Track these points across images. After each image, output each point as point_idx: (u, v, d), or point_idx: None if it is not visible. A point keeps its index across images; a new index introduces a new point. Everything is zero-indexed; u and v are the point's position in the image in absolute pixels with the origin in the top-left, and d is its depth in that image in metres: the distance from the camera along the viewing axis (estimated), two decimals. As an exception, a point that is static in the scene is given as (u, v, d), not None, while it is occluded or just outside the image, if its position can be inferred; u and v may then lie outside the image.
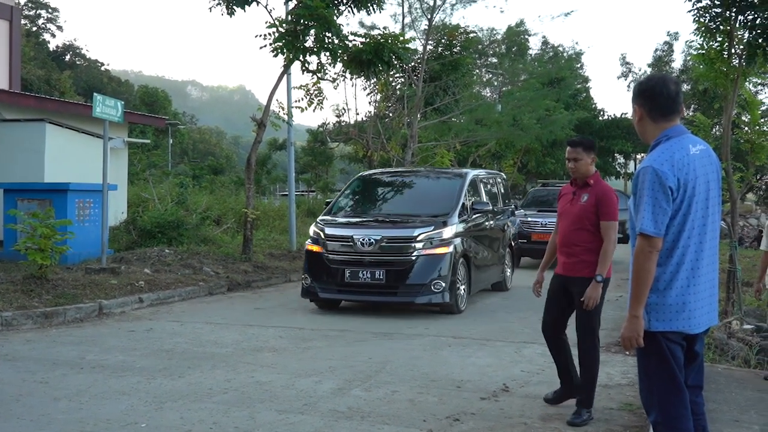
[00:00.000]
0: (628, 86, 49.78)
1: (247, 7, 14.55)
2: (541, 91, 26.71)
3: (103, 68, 70.44)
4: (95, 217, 14.05)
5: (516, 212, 15.66)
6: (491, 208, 12.14)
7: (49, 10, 65.01)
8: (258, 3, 14.63)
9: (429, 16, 22.15)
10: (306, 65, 14.94)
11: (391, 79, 22.26)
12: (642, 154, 44.77)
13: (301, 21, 13.86)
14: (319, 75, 15.59)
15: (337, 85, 19.49)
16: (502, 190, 14.08)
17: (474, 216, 11.46)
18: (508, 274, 13.55)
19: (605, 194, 5.86)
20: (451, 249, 10.47)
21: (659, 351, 3.68)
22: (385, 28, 24.09)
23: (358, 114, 24.04)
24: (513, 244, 13.88)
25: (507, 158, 33.45)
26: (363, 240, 10.46)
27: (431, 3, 22.10)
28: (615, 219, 5.84)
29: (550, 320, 6.08)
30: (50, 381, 6.69)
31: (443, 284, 10.27)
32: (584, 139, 6.07)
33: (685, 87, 44.53)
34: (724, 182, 13.41)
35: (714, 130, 19.79)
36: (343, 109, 23.77)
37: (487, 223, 12.15)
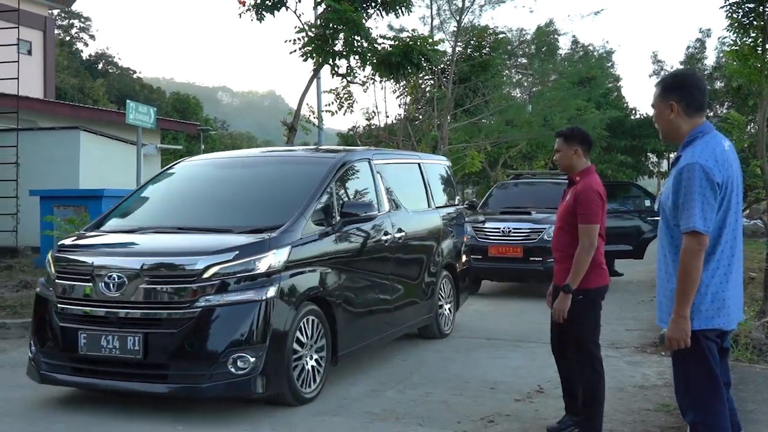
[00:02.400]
0: (661, 84, 49.21)
1: (276, 12, 14.61)
2: (571, 91, 26.52)
3: (135, 76, 71.25)
4: (129, 223, 14.19)
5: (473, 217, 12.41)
6: (378, 211, 7.43)
7: (82, 20, 65.93)
8: (287, 8, 14.69)
9: (458, 18, 22.12)
10: (335, 69, 14.96)
11: (420, 81, 22.24)
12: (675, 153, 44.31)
13: (330, 25, 13.89)
14: (348, 78, 15.61)
15: (367, 88, 19.51)
16: (440, 184, 9.70)
17: (348, 228, 6.92)
18: (447, 311, 9.04)
19: (583, 192, 5.10)
20: (273, 292, 5.81)
21: (699, 350, 3.64)
22: (413, 30, 23.87)
23: (387, 117, 23.93)
24: (459, 262, 9.50)
25: (538, 159, 33.25)
26: (109, 278, 5.92)
27: (460, 4, 22.07)
28: (591, 222, 5.04)
29: (553, 333, 5.49)
30: None
31: (251, 359, 5.69)
32: (567, 130, 5.48)
33: (718, 84, 44.07)
34: (753, 180, 13.29)
35: (749, 128, 19.53)
36: (373, 112, 23.76)
37: (384, 237, 7.52)
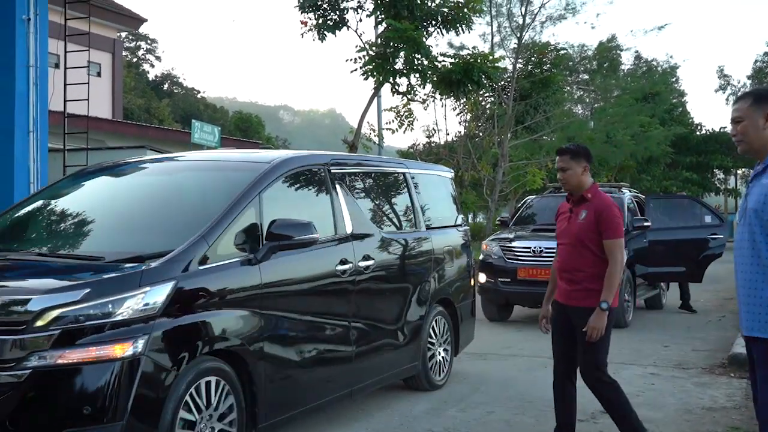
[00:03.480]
0: (727, 99, 48.27)
1: (337, 32, 14.80)
2: (634, 107, 26.21)
3: (199, 95, 72.66)
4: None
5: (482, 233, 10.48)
6: (316, 233, 5.23)
7: (149, 42, 67.57)
8: (348, 28, 14.88)
9: (518, 35, 22.11)
10: (396, 87, 15.08)
11: (480, 98, 22.25)
12: (744, 169, 43.35)
13: (391, 44, 14.03)
14: (409, 96, 15.74)
15: (427, 106, 19.66)
16: (436, 200, 7.90)
17: (278, 255, 5.12)
18: (441, 357, 7.30)
19: (606, 209, 5.04)
20: (141, 346, 4.19)
21: None
22: (474, 47, 24.13)
23: (448, 134, 24.03)
24: (462, 295, 7.80)
25: (601, 176, 32.88)
26: None
27: (520, 21, 22.07)
28: (620, 236, 5.02)
29: (559, 354, 5.29)
30: None
31: None
32: (572, 146, 5.32)
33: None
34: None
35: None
36: (433, 129, 23.87)
37: (341, 267, 5.74)
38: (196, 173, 6.01)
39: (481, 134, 23.92)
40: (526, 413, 6.43)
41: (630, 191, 13.60)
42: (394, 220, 7.05)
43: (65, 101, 13.93)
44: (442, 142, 23.55)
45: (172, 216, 5.35)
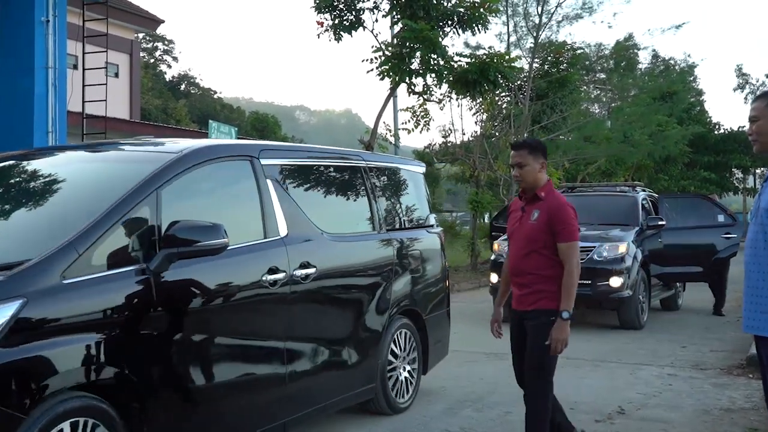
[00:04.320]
0: (745, 98, 47.92)
1: (353, 32, 14.82)
2: (652, 106, 26.04)
3: (215, 96, 72.90)
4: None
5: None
6: (225, 240, 4.34)
7: (166, 43, 67.84)
8: (364, 28, 14.89)
9: (535, 34, 22.03)
10: (412, 87, 15.08)
11: (497, 98, 22.21)
12: (762, 169, 42.99)
13: (407, 44, 14.02)
14: (425, 96, 15.73)
15: (443, 106, 19.61)
16: (401, 198, 7.09)
17: (178, 264, 4.24)
18: (404, 376, 6.46)
19: (560, 209, 4.76)
20: None
21: None
22: (490, 47, 24.08)
23: (464, 134, 23.96)
24: (432, 305, 6.95)
25: (617, 175, 32.73)
26: None
27: (537, 21, 21.98)
28: (575, 239, 4.74)
29: (520, 369, 5.03)
30: None
31: None
32: (530, 141, 5.07)
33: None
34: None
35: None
36: (450, 129, 23.82)
37: (268, 277, 4.90)
38: (89, 165, 5.02)
39: (497, 134, 23.88)
40: (542, 413, 6.41)
41: (645, 190, 13.53)
42: (346, 221, 6.18)
43: (83, 102, 14.04)
44: (458, 142, 23.53)
45: (41, 218, 4.41)
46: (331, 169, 6.20)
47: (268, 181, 5.17)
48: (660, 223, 11.98)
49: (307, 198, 5.61)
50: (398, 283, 6.36)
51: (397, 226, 6.71)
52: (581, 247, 10.94)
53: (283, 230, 5.12)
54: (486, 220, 27.84)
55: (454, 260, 21.96)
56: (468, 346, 9.66)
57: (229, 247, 4.41)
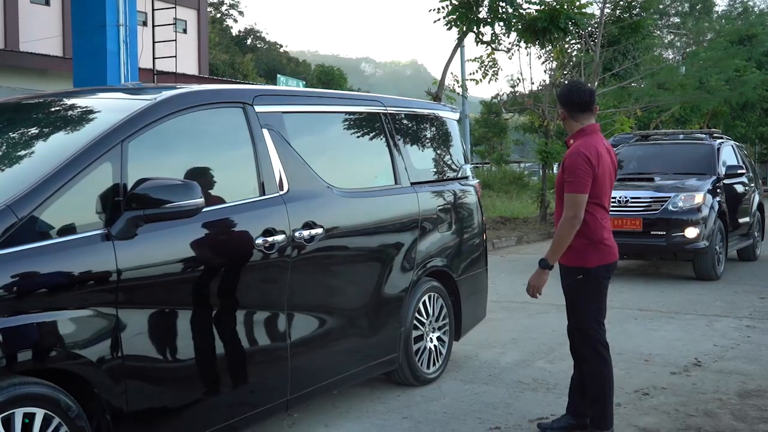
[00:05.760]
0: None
1: (420, -19, 14.61)
2: (729, 50, 25.15)
3: (282, 50, 73.14)
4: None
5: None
6: (199, 200, 3.70)
7: (232, -3, 68.19)
8: (431, -23, 14.66)
9: (606, -22, 21.36)
10: (480, 37, 14.86)
11: (567, 46, 21.72)
12: None
13: (475, -8, 13.79)
14: (493, 46, 15.49)
15: (512, 55, 19.28)
16: (428, 147, 6.32)
17: (146, 228, 3.62)
18: (433, 344, 5.90)
19: (569, 157, 4.52)
20: None
21: None
22: (560, -7, 23.48)
23: (533, 83, 23.52)
24: (464, 266, 6.29)
25: (692, 123, 31.83)
26: None
27: (609, -36, 21.32)
28: (576, 191, 4.39)
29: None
30: None
31: None
32: (557, 92, 4.81)
33: None
34: None
35: None
36: (518, 79, 23.41)
37: (265, 239, 4.26)
38: (49, 117, 4.33)
39: (567, 83, 23.41)
40: (617, 366, 6.31)
41: (722, 137, 13.15)
42: (361, 174, 5.55)
43: (154, 58, 14.26)
44: (527, 92, 23.13)
45: None
46: (343, 116, 5.50)
47: (265, 131, 4.52)
48: (740, 171, 11.68)
49: (313, 150, 4.94)
50: (424, 243, 5.69)
51: (424, 178, 5.95)
52: (656, 198, 11.14)
53: (283, 186, 4.51)
54: (555, 171, 27.46)
55: (522, 212, 21.81)
56: (538, 299, 9.62)
57: (215, 208, 4.01)
